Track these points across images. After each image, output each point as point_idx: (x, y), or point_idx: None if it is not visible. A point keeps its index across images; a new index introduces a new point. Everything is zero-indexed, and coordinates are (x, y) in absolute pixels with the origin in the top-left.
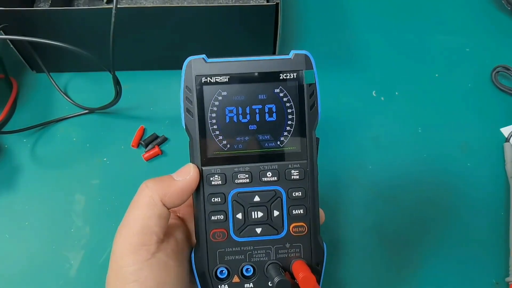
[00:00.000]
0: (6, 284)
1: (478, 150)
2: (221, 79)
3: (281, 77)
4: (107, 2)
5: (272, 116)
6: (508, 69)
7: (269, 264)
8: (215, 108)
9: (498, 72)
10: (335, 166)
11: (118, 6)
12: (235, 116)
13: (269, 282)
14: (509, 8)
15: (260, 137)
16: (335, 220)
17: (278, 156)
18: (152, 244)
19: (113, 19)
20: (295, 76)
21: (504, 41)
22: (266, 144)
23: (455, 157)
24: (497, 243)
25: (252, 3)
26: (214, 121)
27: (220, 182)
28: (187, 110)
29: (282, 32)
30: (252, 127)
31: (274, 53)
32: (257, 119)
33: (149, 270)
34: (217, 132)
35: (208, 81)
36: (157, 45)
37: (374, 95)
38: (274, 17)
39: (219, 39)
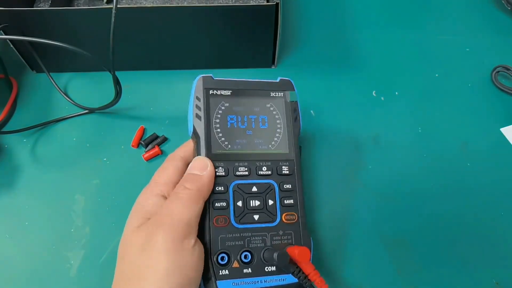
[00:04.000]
0: (6, 284)
1: (478, 150)
2: (225, 93)
3: (271, 95)
4: (107, 2)
5: (264, 125)
6: (508, 69)
7: (265, 250)
8: (219, 115)
9: (498, 72)
10: (334, 166)
11: (118, 6)
12: (235, 122)
13: (266, 267)
14: (509, 8)
15: (256, 141)
16: (335, 219)
17: (270, 155)
18: (192, 237)
19: (113, 19)
20: (281, 95)
21: (504, 41)
22: (260, 146)
23: (455, 157)
24: (497, 243)
25: (252, 3)
26: (218, 125)
27: (223, 173)
28: (196, 115)
29: (282, 32)
30: (249, 132)
31: (274, 53)
32: (253, 126)
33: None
34: (220, 134)
35: (214, 93)
36: (157, 45)
37: (374, 95)
38: (274, 17)
39: (219, 39)
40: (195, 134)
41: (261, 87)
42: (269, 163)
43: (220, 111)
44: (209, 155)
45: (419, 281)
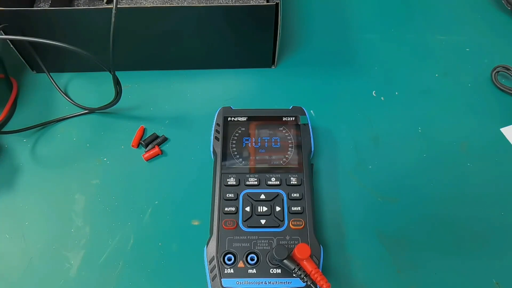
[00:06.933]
0: (6, 284)
1: (478, 150)
2: (241, 119)
3: (283, 119)
4: (107, 2)
5: (277, 144)
6: (508, 69)
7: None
8: (235, 138)
9: (498, 72)
10: (334, 166)
11: (118, 6)
12: (249, 143)
13: (271, 269)
14: (509, 8)
15: (268, 157)
16: (335, 220)
17: (280, 169)
18: None
19: (113, 19)
20: (293, 119)
21: (504, 41)
22: (272, 162)
23: (455, 157)
24: (497, 243)
25: (252, 3)
26: (234, 145)
27: (234, 183)
28: (215, 138)
29: (282, 32)
30: (262, 150)
31: (274, 53)
32: (266, 145)
33: None
34: (235, 152)
35: (232, 120)
36: (157, 45)
37: (374, 95)
38: (274, 17)
39: (219, 39)
40: (214, 153)
41: (274, 113)
42: (278, 175)
43: (237, 134)
44: (224, 169)
45: (419, 280)
